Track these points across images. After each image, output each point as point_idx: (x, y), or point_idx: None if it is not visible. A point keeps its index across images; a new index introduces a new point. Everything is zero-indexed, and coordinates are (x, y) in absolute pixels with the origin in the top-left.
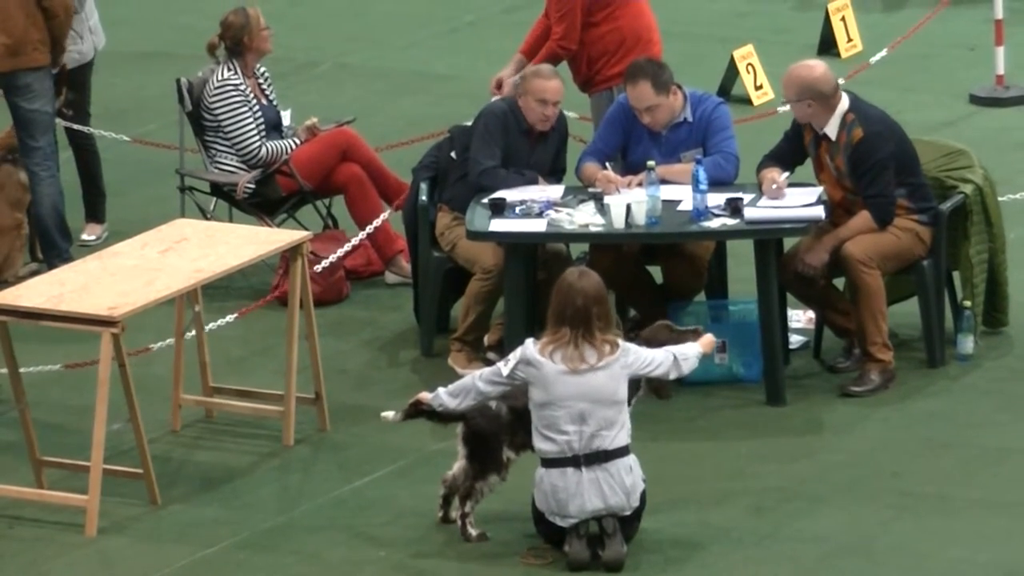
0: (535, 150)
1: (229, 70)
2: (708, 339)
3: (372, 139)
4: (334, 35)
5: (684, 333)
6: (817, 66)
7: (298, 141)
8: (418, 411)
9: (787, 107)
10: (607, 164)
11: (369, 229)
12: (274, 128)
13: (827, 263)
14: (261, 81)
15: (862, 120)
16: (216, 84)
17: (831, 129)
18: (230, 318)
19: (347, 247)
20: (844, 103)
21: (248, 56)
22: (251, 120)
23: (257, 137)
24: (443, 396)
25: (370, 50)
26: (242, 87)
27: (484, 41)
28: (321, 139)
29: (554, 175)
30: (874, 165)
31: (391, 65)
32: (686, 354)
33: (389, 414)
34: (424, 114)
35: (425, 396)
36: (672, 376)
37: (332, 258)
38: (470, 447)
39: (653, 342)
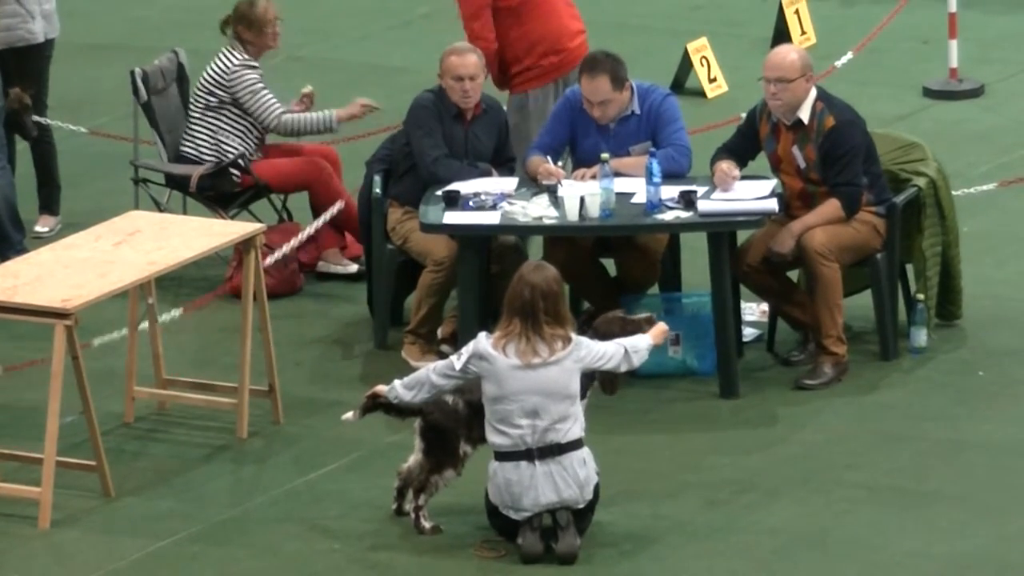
0: (468, 134)
1: (243, 54)
2: (660, 329)
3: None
4: (287, 28)
5: (637, 321)
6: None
7: (334, 119)
8: (375, 404)
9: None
10: (559, 160)
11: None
12: None
13: (794, 249)
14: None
15: (832, 109)
16: (236, 62)
17: (804, 115)
18: (182, 311)
19: (307, 232)
20: (813, 91)
21: (251, 48)
22: (269, 93)
23: (278, 106)
24: (399, 389)
25: (323, 43)
26: (259, 70)
27: (438, 33)
28: (300, 162)
29: (505, 167)
30: (846, 153)
31: (345, 58)
32: (637, 347)
33: (348, 415)
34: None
35: (381, 389)
36: (623, 369)
37: (286, 248)
38: (427, 441)
39: (606, 333)
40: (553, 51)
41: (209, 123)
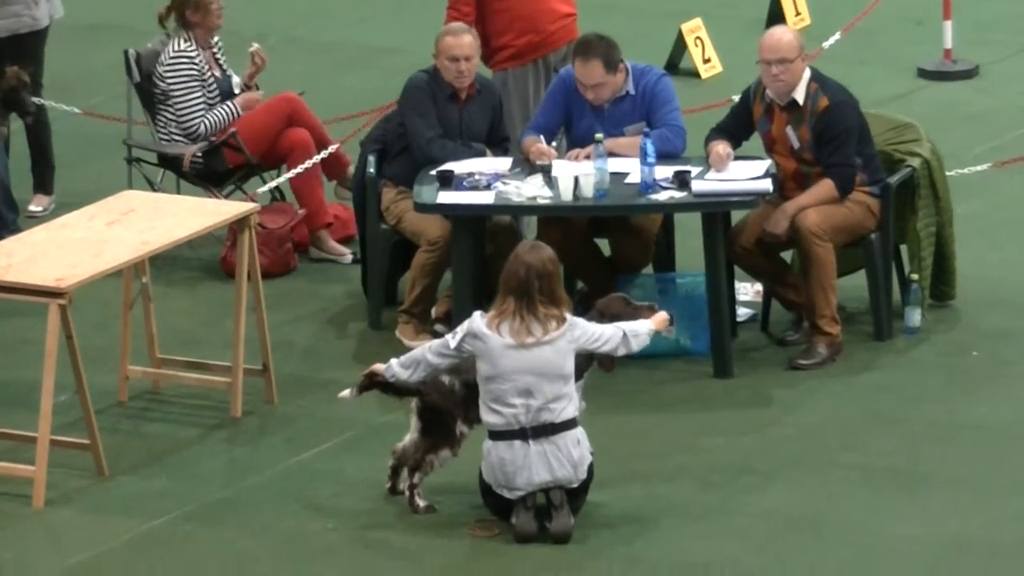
0: (463, 115)
1: (185, 41)
2: (661, 317)
3: (320, 113)
4: (282, 9)
5: (639, 308)
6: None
7: (237, 106)
8: (372, 383)
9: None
10: (553, 140)
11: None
12: (228, 98)
13: (788, 230)
14: (216, 51)
15: (826, 89)
16: (171, 54)
17: (799, 95)
18: (177, 290)
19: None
20: (807, 71)
21: (198, 30)
22: (199, 95)
23: (200, 113)
24: (395, 368)
25: (318, 24)
26: (197, 60)
27: (431, 15)
28: (266, 107)
29: (499, 147)
30: (840, 133)
31: (339, 39)
32: (637, 331)
33: (345, 393)
34: (372, 88)
35: (379, 367)
36: (621, 353)
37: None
38: (424, 421)
39: (607, 313)
40: (532, 30)
41: (156, 115)
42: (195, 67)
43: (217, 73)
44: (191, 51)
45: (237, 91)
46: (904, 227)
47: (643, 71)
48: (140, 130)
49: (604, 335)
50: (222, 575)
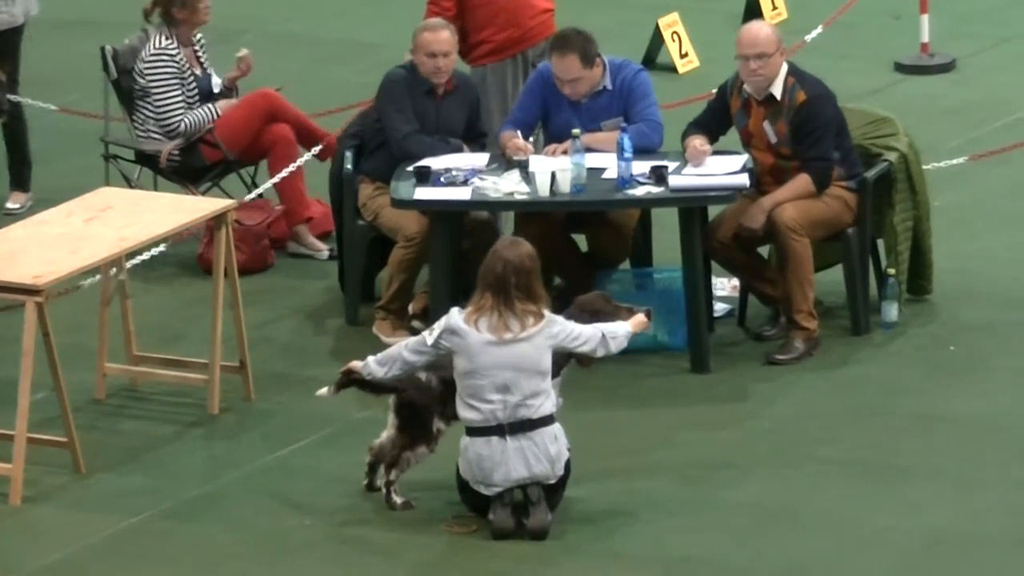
0: (440, 110)
1: (167, 39)
2: (639, 319)
3: (299, 108)
4: (261, 3)
5: (619, 308)
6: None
7: (218, 109)
8: (350, 381)
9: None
10: (530, 135)
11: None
12: (206, 98)
13: (765, 224)
14: (197, 49)
15: (803, 83)
16: (152, 51)
17: (776, 90)
18: (155, 287)
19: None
20: (785, 65)
21: (183, 27)
22: (179, 93)
23: (180, 111)
24: (372, 365)
25: (297, 18)
26: (177, 57)
27: (411, 9)
28: (245, 103)
29: (477, 142)
30: (817, 128)
31: (318, 34)
32: (615, 332)
33: (323, 390)
34: (351, 83)
35: (356, 365)
36: (599, 354)
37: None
38: (401, 418)
39: (587, 310)
40: (512, 25)
41: (135, 111)
42: (175, 65)
43: (198, 71)
44: (172, 48)
45: (216, 91)
46: (881, 221)
47: (620, 66)
48: (117, 127)
49: (583, 335)
50: (200, 571)
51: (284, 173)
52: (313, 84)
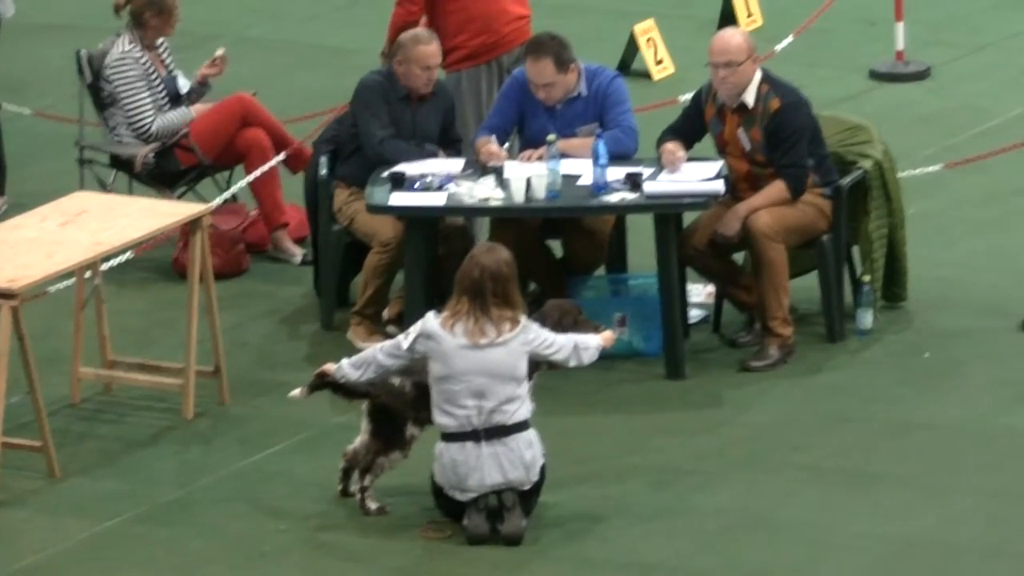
0: (416, 116)
1: (131, 42)
2: (608, 335)
3: (273, 112)
4: (235, 8)
5: (587, 323)
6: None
7: (192, 112)
8: (323, 383)
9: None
10: (506, 141)
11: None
12: (174, 100)
13: (740, 231)
14: (161, 51)
15: (777, 90)
16: (116, 57)
17: (749, 97)
18: (130, 291)
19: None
20: (758, 73)
21: (150, 32)
22: (147, 96)
23: (151, 113)
24: (346, 368)
25: (271, 23)
26: (143, 60)
27: (385, 14)
28: (219, 107)
29: (452, 148)
30: (791, 135)
31: (292, 38)
32: (587, 344)
33: (296, 392)
34: (325, 88)
35: (329, 367)
36: (572, 364)
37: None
38: (375, 423)
39: (555, 317)
40: (486, 31)
41: (107, 116)
42: (140, 67)
43: (163, 73)
44: (136, 52)
45: (184, 92)
46: (856, 228)
47: (596, 72)
48: (92, 131)
49: (556, 343)
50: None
51: (257, 173)
52: (286, 89)
